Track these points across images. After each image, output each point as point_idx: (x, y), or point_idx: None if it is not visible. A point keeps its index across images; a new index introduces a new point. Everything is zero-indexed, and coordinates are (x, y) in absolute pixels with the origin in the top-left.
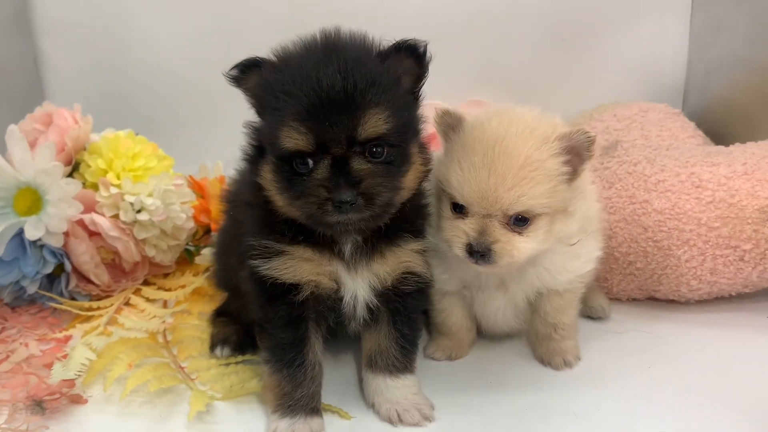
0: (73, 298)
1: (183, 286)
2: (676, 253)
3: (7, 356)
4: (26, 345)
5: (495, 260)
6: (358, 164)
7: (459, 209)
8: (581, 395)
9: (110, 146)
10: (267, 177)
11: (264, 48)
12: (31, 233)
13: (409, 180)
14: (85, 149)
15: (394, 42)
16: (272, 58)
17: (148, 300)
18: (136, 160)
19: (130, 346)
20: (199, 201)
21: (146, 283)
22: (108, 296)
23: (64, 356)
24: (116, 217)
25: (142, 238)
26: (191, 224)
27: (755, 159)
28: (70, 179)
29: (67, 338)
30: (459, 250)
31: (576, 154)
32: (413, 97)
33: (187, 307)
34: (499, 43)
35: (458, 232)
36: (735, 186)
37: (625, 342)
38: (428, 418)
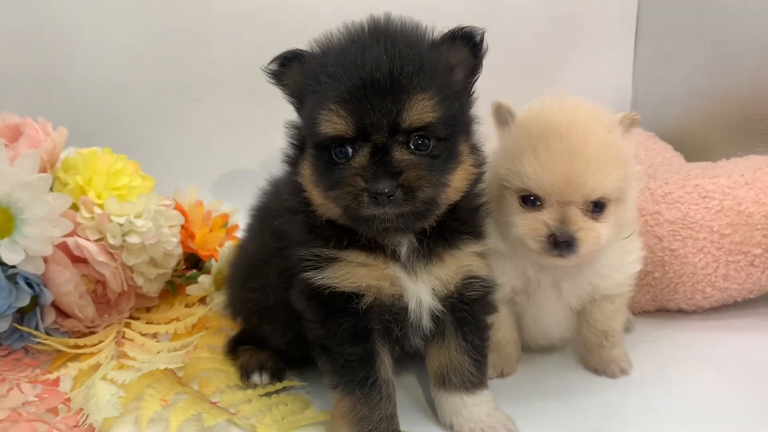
0: (49, 336)
1: (177, 319)
2: (693, 261)
3: None
4: (19, 388)
5: (579, 249)
6: (400, 154)
7: (531, 202)
8: (646, 398)
9: (87, 163)
10: (305, 173)
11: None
12: (8, 257)
13: (457, 179)
14: (55, 166)
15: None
16: (314, 48)
17: (143, 335)
18: (119, 178)
19: (153, 380)
20: (182, 226)
21: (131, 318)
22: (91, 333)
23: (67, 400)
24: (100, 240)
25: (131, 265)
26: (180, 250)
27: (750, 171)
28: (57, 193)
29: (56, 382)
30: (537, 244)
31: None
32: (466, 91)
33: (192, 341)
34: None
35: (537, 225)
36: (740, 195)
37: (661, 348)
38: None
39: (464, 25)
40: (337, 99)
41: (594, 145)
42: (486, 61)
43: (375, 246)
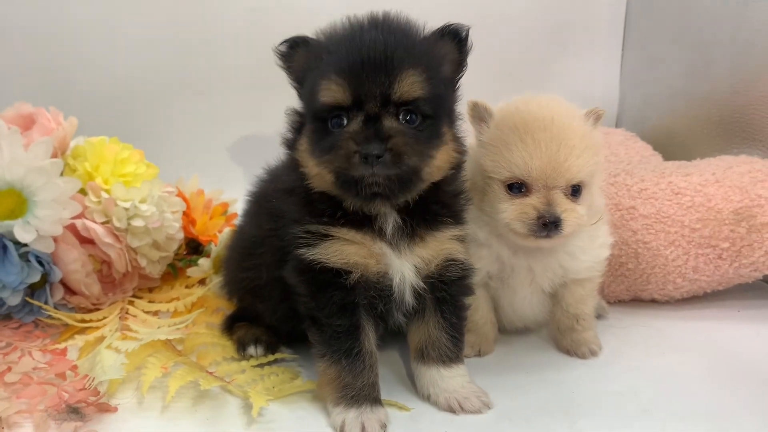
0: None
1: (177, 299)
2: (664, 253)
3: (9, 368)
4: (30, 355)
5: (563, 228)
6: (390, 122)
7: (517, 189)
8: (612, 379)
9: (95, 150)
10: (302, 148)
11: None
12: (21, 235)
13: (440, 158)
14: (66, 153)
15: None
16: (319, 36)
17: (145, 312)
18: (125, 166)
19: (154, 350)
20: (184, 212)
21: (135, 297)
22: (97, 310)
23: (74, 367)
24: (106, 223)
25: (135, 247)
26: (181, 235)
27: (721, 170)
28: (68, 177)
29: (64, 351)
30: (526, 227)
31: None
32: (452, 84)
33: (192, 316)
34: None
35: (525, 209)
36: (710, 192)
37: (632, 335)
38: (488, 405)
39: (452, 22)
40: (336, 71)
41: (574, 134)
42: (475, 64)
43: (364, 223)
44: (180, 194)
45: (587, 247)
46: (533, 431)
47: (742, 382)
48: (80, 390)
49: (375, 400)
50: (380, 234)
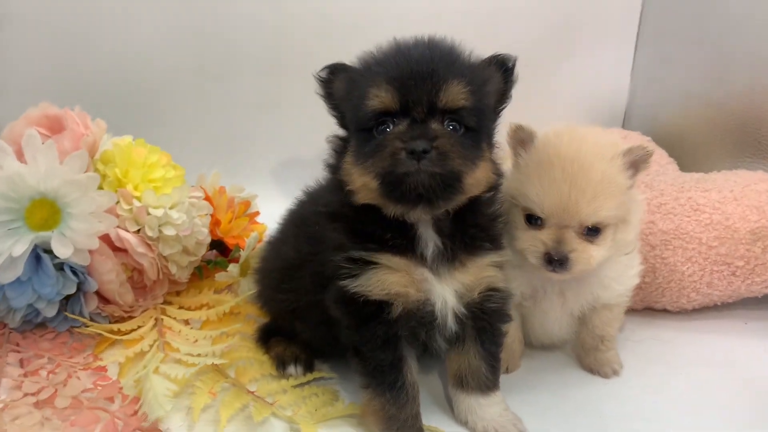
0: (92, 320)
1: (207, 305)
2: (681, 269)
3: (56, 390)
4: (77, 377)
5: (571, 267)
6: (436, 126)
7: (534, 221)
8: (638, 399)
9: (124, 155)
10: (347, 164)
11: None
12: (59, 250)
13: (480, 171)
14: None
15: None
16: (362, 60)
17: (176, 320)
18: (153, 170)
19: (198, 371)
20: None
21: (165, 302)
22: (130, 317)
23: (120, 389)
24: (138, 231)
25: (166, 255)
26: (209, 239)
27: (740, 187)
28: (103, 191)
29: (105, 369)
30: (535, 259)
31: (634, 166)
32: (494, 113)
33: (221, 327)
34: None
35: (536, 242)
36: (728, 210)
37: (648, 349)
38: None
39: (500, 52)
40: (385, 79)
41: (591, 178)
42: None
43: (406, 247)
44: (207, 199)
45: (620, 277)
46: None
47: (754, 403)
48: (131, 416)
49: (419, 431)
50: (421, 259)
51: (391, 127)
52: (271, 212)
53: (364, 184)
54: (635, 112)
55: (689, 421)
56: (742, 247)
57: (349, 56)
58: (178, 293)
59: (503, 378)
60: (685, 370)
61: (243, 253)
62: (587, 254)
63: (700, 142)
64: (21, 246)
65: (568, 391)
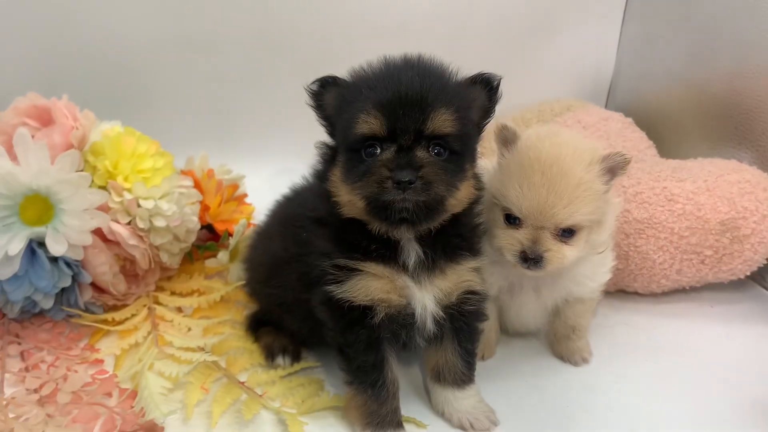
0: (87, 309)
1: (198, 291)
2: (653, 257)
3: (57, 385)
4: (75, 371)
5: (545, 266)
6: (422, 153)
7: (513, 220)
8: (606, 388)
9: (113, 146)
10: (335, 177)
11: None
12: (54, 247)
13: (463, 191)
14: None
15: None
16: (352, 75)
17: (168, 308)
18: (143, 161)
19: (189, 366)
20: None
21: (156, 288)
22: (124, 305)
23: (117, 384)
24: (129, 223)
25: (157, 245)
26: (199, 225)
27: (713, 177)
28: (94, 189)
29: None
30: (512, 257)
31: (611, 172)
32: (478, 129)
33: (212, 314)
34: (457, 38)
35: (513, 241)
36: (700, 201)
37: (618, 336)
38: (495, 423)
39: (484, 72)
40: (374, 105)
41: (568, 183)
42: (473, 29)
43: (389, 257)
44: (196, 184)
45: (593, 273)
46: None
47: (716, 390)
48: (129, 410)
49: (398, 424)
50: (403, 267)
51: (379, 151)
52: (259, 187)
53: (350, 201)
54: (620, 87)
55: (654, 408)
56: (712, 237)
57: (339, 27)
58: (169, 278)
59: (479, 365)
60: (652, 357)
61: (232, 240)
62: (561, 254)
63: (680, 123)
64: (17, 244)
65: (540, 380)
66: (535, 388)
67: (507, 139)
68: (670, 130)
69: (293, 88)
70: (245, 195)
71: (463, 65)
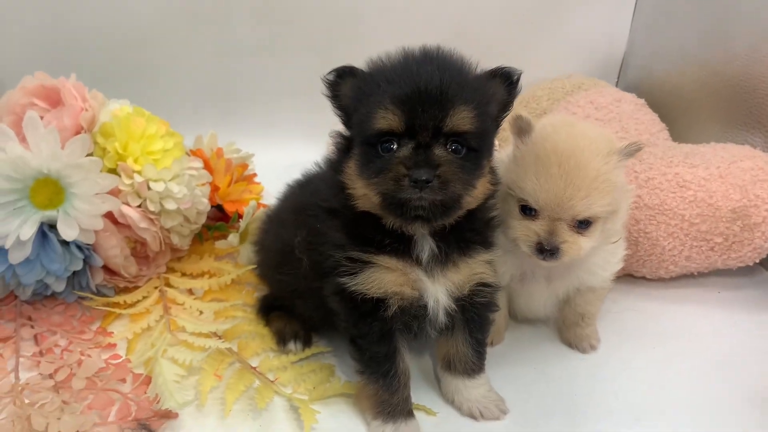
0: (98, 292)
1: (208, 272)
2: (662, 243)
3: (71, 370)
4: (88, 355)
5: (561, 257)
6: (439, 151)
7: (528, 212)
8: (613, 375)
9: (123, 127)
10: (350, 170)
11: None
12: (66, 232)
13: (479, 188)
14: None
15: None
16: (370, 65)
17: (179, 290)
18: (153, 142)
19: (203, 353)
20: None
21: (167, 269)
22: (135, 287)
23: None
24: (140, 206)
25: (168, 227)
26: (209, 207)
27: (726, 163)
28: (105, 173)
29: (112, 345)
30: (527, 248)
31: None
32: (496, 122)
33: (223, 297)
34: (468, 12)
35: (529, 232)
36: (712, 188)
37: (626, 322)
38: (504, 411)
39: (504, 66)
40: (393, 100)
41: (586, 175)
42: (485, 2)
43: (402, 250)
44: (206, 164)
45: (606, 263)
46: None
47: (722, 377)
48: (143, 395)
49: (409, 413)
50: (417, 261)
51: (396, 146)
52: (268, 162)
53: (365, 195)
54: (632, 63)
55: (661, 396)
56: (722, 224)
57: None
58: (179, 259)
59: (488, 351)
60: (659, 343)
61: (242, 222)
62: (577, 245)
63: (692, 104)
64: (29, 228)
65: (547, 366)
66: (542, 374)
67: (522, 129)
68: (681, 111)
69: (301, 63)
70: (254, 174)
71: (474, 40)
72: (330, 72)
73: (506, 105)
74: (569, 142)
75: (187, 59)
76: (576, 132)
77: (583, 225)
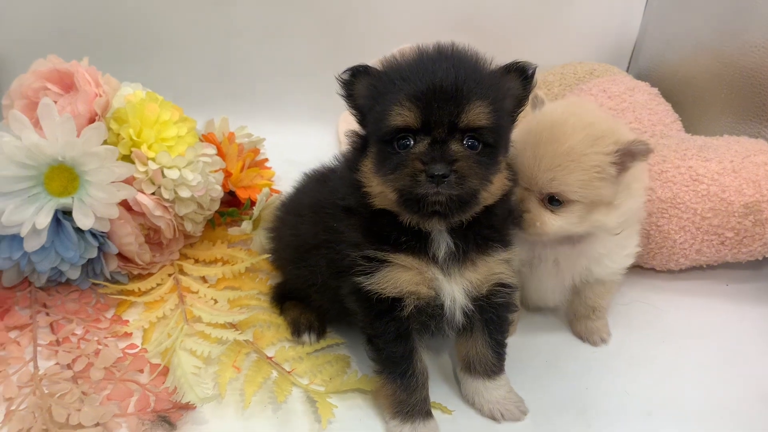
0: (112, 279)
1: (221, 259)
2: (674, 237)
3: (89, 360)
4: (105, 345)
5: (523, 227)
6: (456, 147)
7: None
8: (624, 371)
9: (137, 113)
10: (366, 168)
11: None
12: (81, 221)
13: (496, 184)
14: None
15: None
16: (384, 64)
17: (193, 278)
18: (167, 128)
19: (220, 344)
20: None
21: (180, 256)
22: (149, 274)
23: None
24: (154, 193)
25: (182, 215)
26: (222, 193)
27: (740, 158)
28: (120, 162)
29: (128, 334)
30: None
31: (630, 156)
32: (511, 117)
33: (236, 285)
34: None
35: None
36: (725, 183)
37: (634, 315)
38: (524, 412)
39: (519, 60)
40: (409, 96)
41: (556, 148)
42: None
43: (419, 248)
44: (219, 152)
45: (614, 255)
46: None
47: (730, 371)
48: (161, 386)
49: (427, 414)
50: (433, 259)
51: (412, 142)
52: (277, 144)
53: (382, 192)
54: (643, 51)
55: (670, 390)
56: (734, 219)
57: None
58: (192, 245)
59: None
60: (668, 337)
61: (255, 209)
62: (540, 219)
63: (704, 94)
64: (44, 217)
65: (558, 359)
66: (554, 367)
67: (534, 105)
68: (693, 101)
69: (311, 45)
70: (266, 159)
71: (484, 26)
72: (344, 71)
73: (522, 100)
74: (556, 117)
75: (193, 40)
76: (574, 111)
77: (554, 202)
